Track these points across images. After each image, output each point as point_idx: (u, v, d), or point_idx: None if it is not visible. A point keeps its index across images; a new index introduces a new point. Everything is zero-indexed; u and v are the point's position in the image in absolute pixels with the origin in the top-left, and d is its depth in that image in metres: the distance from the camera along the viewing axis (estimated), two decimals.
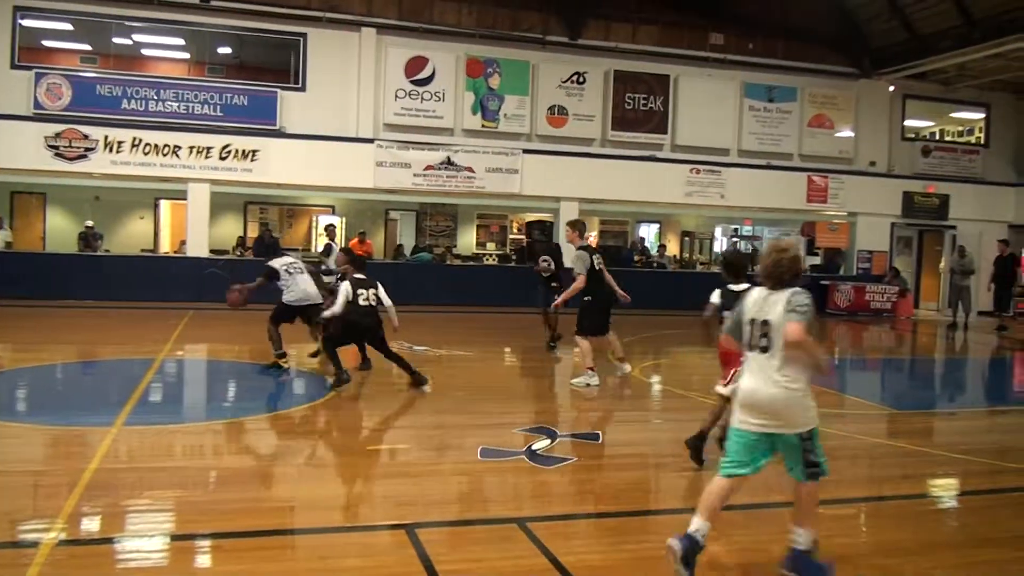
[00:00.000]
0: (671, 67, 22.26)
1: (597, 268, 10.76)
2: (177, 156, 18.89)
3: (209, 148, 19.04)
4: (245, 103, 19.66)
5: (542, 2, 21.25)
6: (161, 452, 7.33)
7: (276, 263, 11.13)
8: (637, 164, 21.66)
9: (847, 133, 23.62)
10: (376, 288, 9.94)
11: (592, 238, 25.24)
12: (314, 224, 23.81)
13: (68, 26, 20.40)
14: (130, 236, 22.94)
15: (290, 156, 19.50)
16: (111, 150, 18.53)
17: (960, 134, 26.73)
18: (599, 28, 21.78)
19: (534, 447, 7.56)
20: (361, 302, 9.76)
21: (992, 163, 25.02)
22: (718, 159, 22.42)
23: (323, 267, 14.66)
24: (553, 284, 13.86)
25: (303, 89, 20.18)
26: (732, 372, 6.64)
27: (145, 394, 9.63)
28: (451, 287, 20.64)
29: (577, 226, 11.29)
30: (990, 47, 20.08)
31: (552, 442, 7.80)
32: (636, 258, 24.37)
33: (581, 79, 21.55)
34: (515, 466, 7.06)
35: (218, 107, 19.48)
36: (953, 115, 25.95)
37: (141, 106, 19.04)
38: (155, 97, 19.17)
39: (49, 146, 18.25)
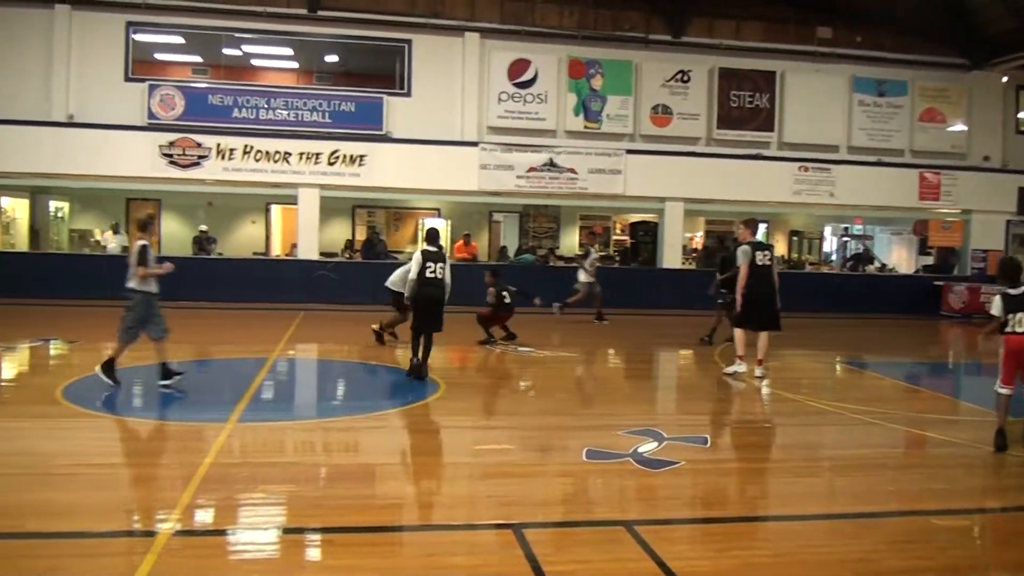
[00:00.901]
0: (777, 63, 21.81)
1: (760, 264, 11.19)
2: (287, 162, 19.45)
3: (318, 154, 19.54)
4: (352, 109, 20.09)
5: (644, 1, 21.08)
6: (273, 448, 7.52)
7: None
8: (743, 163, 21.29)
9: (959, 127, 22.69)
10: (444, 263, 10.66)
11: (698, 239, 24.96)
12: (419, 227, 24.11)
13: (180, 39, 21.18)
14: (242, 240, 23.65)
15: (396, 160, 19.88)
16: (223, 157, 19.23)
17: None
18: (702, 25, 21.51)
19: (640, 449, 7.46)
20: (428, 274, 10.44)
21: None
22: (827, 156, 21.84)
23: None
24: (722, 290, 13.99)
25: (408, 94, 20.52)
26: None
27: (258, 392, 9.91)
28: (555, 288, 20.55)
29: (750, 225, 11.80)
30: None
31: (659, 445, 7.68)
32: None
33: (685, 77, 21.28)
34: (621, 468, 6.98)
35: (326, 114, 19.96)
36: None
37: (252, 114, 19.70)
38: (265, 106, 19.79)
39: (163, 154, 19.03)
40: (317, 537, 5.36)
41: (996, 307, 7.84)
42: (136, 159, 19.01)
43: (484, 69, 20.66)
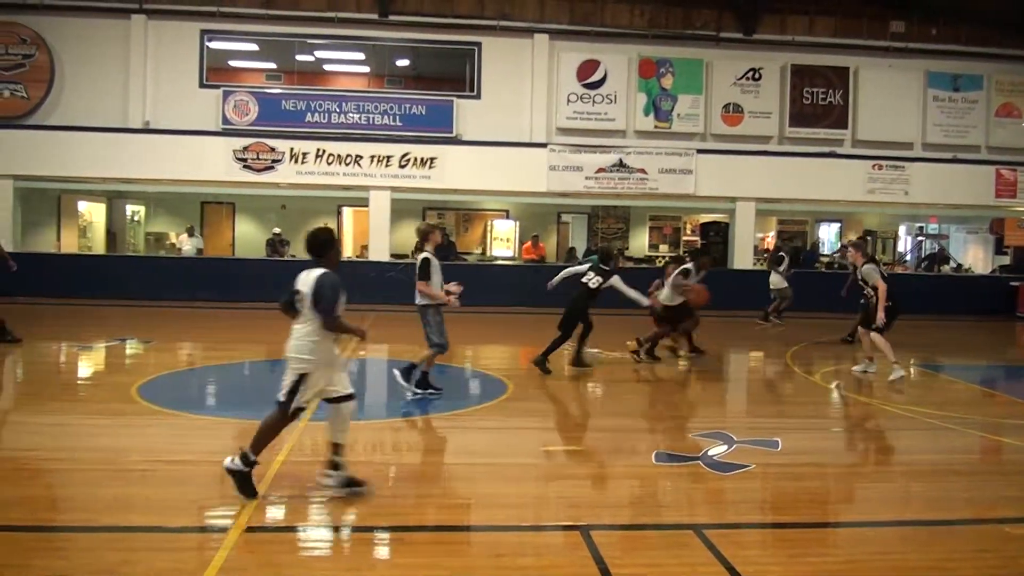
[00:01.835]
0: (850, 58, 21.38)
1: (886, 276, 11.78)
2: (359, 165, 19.74)
3: (389, 157, 19.79)
4: (423, 112, 20.30)
5: None
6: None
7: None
8: (816, 161, 20.93)
9: None
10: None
11: (769, 239, 24.58)
12: (489, 228, 24.19)
13: (253, 46, 21.64)
14: None
15: (466, 162, 20.05)
16: (296, 161, 19.58)
17: None
18: (774, 22, 21.19)
19: (710, 452, 7.41)
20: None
21: None
22: (901, 153, 21.31)
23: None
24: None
25: (478, 97, 20.66)
26: None
27: None
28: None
29: (860, 247, 12.51)
30: None
31: (729, 448, 7.61)
32: (824, 258, 23.52)
33: (757, 75, 21.01)
34: (691, 471, 6.93)
35: (397, 117, 20.21)
36: None
37: (324, 119, 20.04)
38: (337, 110, 20.12)
39: (237, 159, 19.47)
40: (386, 535, 5.44)
41: None
42: (211, 164, 19.50)
43: (553, 70, 20.68)
